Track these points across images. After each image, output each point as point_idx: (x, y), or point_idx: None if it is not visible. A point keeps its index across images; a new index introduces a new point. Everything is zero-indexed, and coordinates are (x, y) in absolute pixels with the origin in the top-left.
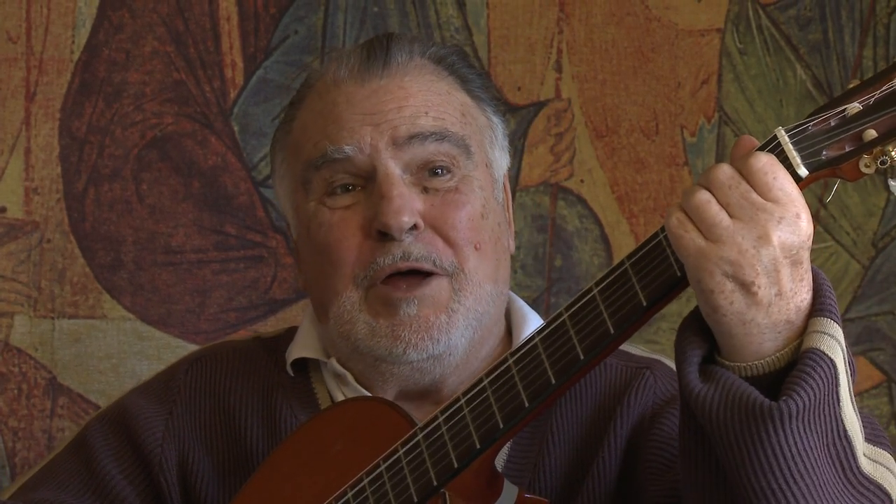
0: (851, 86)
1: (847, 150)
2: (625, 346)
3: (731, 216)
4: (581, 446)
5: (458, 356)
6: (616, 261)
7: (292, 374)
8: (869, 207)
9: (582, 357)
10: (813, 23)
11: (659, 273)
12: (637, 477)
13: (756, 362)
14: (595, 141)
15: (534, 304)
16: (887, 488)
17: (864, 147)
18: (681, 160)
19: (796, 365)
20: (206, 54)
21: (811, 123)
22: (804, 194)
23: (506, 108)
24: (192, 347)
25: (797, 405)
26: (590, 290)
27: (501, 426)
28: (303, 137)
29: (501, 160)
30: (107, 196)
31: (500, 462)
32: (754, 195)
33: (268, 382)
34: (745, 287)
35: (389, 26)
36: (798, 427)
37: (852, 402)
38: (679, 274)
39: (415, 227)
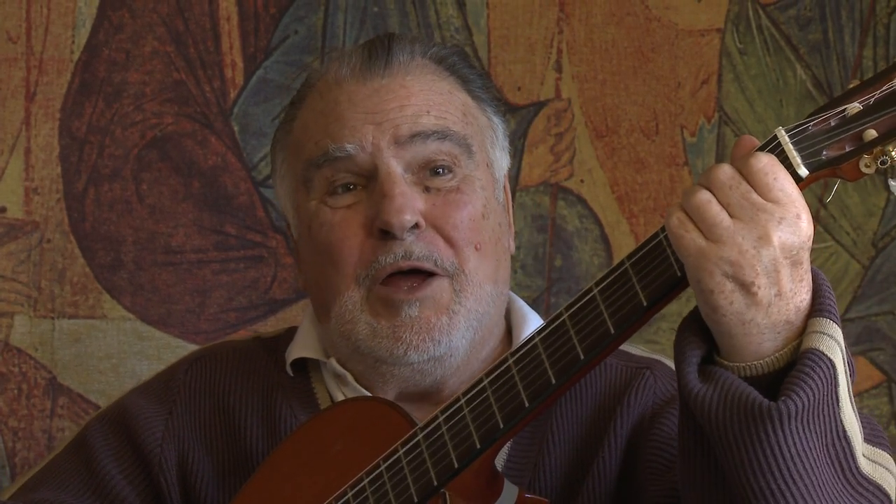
0: (851, 86)
1: (847, 150)
2: (625, 346)
3: (731, 216)
4: (581, 446)
5: (459, 357)
6: (616, 261)
7: (292, 375)
8: (869, 207)
9: (582, 357)
10: (813, 23)
11: (659, 273)
12: (637, 477)
13: (755, 362)
14: (595, 141)
15: (534, 304)
16: (886, 489)
17: (864, 147)
18: (681, 160)
19: (795, 365)
20: (206, 54)
21: (811, 123)
22: (804, 194)
23: (506, 108)
24: (192, 347)
25: (796, 405)
26: (590, 290)
27: (502, 426)
28: (304, 137)
29: (502, 160)
30: (107, 196)
31: (500, 462)
32: (755, 195)
33: (267, 382)
34: (745, 287)
35: (389, 26)
36: (797, 427)
37: (851, 403)
38: (679, 274)
39: (416, 226)
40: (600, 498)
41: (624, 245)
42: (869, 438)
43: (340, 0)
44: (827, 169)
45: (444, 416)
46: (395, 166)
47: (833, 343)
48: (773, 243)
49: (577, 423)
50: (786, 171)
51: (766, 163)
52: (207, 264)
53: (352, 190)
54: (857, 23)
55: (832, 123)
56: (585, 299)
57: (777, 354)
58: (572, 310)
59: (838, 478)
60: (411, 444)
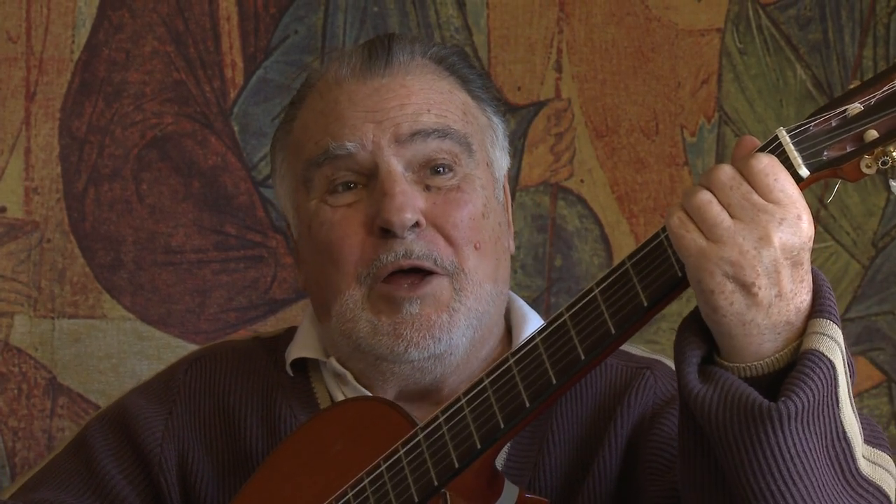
0: (852, 86)
1: (848, 150)
2: (625, 346)
3: (732, 217)
4: (581, 446)
5: (459, 356)
6: (616, 261)
7: (292, 374)
8: (869, 207)
9: (583, 357)
10: (813, 23)
11: (660, 273)
12: (637, 477)
13: (755, 363)
14: (595, 141)
15: (534, 304)
16: (886, 490)
17: (865, 147)
18: (681, 160)
19: (795, 366)
20: (206, 54)
21: (812, 124)
22: (804, 194)
23: (506, 108)
24: (192, 347)
25: (796, 406)
26: (591, 290)
27: (502, 426)
28: (304, 136)
29: (502, 160)
30: (107, 196)
31: (500, 461)
32: (755, 196)
33: (267, 382)
34: (746, 288)
35: (389, 26)
36: (797, 428)
37: (851, 404)
38: (680, 274)
39: (417, 224)
40: (600, 498)
41: (624, 245)
42: (869, 439)
43: (340, 0)
44: (828, 169)
45: (444, 417)
46: (395, 165)
47: (833, 344)
48: (773, 244)
49: (578, 422)
50: (786, 171)
51: (766, 163)
52: (207, 264)
53: (352, 189)
54: (857, 23)
55: (833, 124)
56: (586, 299)
57: (777, 355)
58: (573, 310)
59: (838, 479)
60: (412, 444)
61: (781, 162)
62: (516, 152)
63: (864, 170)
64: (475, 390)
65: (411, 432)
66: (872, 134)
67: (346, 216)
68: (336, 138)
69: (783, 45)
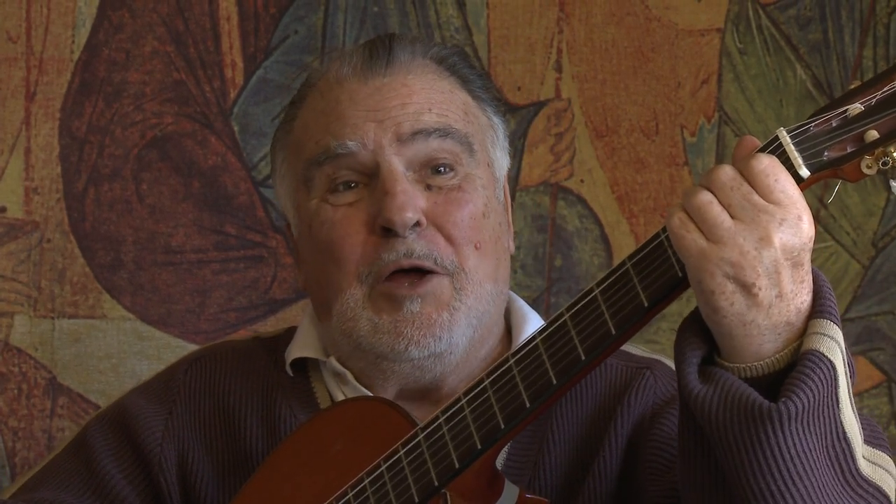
0: (853, 86)
1: (849, 150)
2: (625, 346)
3: (732, 217)
4: (581, 446)
5: (459, 354)
6: (616, 261)
7: (291, 374)
8: (869, 207)
9: (583, 357)
10: (813, 23)
11: (660, 273)
12: (637, 477)
13: (756, 363)
14: (595, 141)
15: (534, 304)
16: (886, 490)
17: (865, 148)
18: (681, 160)
19: (796, 366)
20: (206, 54)
21: (813, 124)
22: (805, 195)
23: (506, 108)
24: (192, 347)
25: (796, 407)
26: (591, 290)
27: (503, 426)
28: (305, 135)
29: (502, 160)
30: (107, 196)
31: (499, 461)
32: (756, 197)
33: (267, 382)
34: (746, 288)
35: (389, 26)
36: (797, 429)
37: (851, 404)
38: (680, 274)
39: (417, 223)
40: (601, 498)
41: (624, 245)
42: (869, 440)
43: (340, 0)
44: (828, 170)
45: (444, 417)
46: (396, 164)
47: (833, 344)
48: (774, 244)
49: (578, 422)
50: (787, 172)
51: (767, 164)
52: (207, 264)
53: (352, 188)
54: (857, 23)
55: (834, 124)
56: (587, 300)
57: (777, 355)
58: (573, 310)
59: (838, 479)
60: (412, 444)
61: (782, 162)
62: (516, 152)
63: (865, 170)
64: (475, 390)
65: (411, 432)
66: (873, 134)
67: (348, 215)
68: (337, 137)
69: (783, 45)
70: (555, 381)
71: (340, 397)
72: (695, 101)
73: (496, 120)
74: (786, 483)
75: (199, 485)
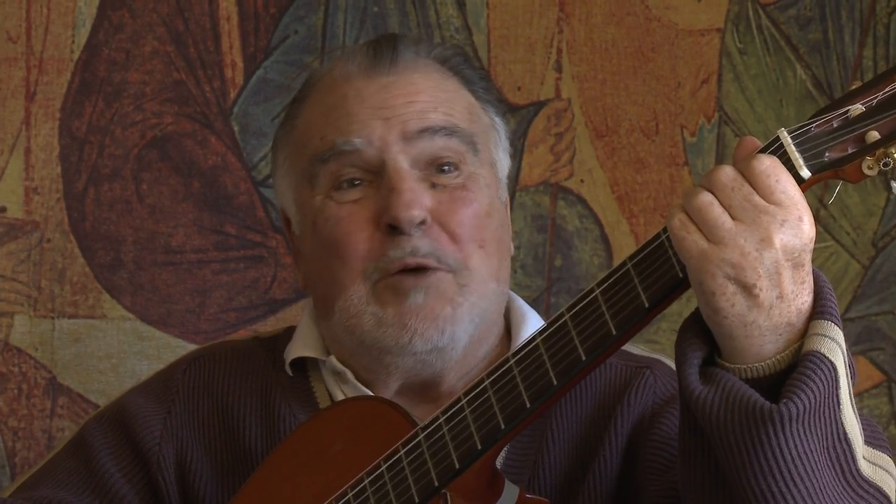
0: (854, 87)
1: (850, 151)
2: (625, 346)
3: (733, 218)
4: (581, 445)
5: (459, 351)
6: (616, 261)
7: (291, 374)
8: (869, 207)
9: (584, 358)
10: (813, 23)
11: (661, 274)
12: (637, 476)
13: (756, 364)
14: (595, 141)
15: (534, 304)
16: (886, 491)
17: (866, 149)
18: (681, 160)
19: (797, 367)
20: (206, 54)
21: (814, 125)
22: (805, 195)
23: (506, 109)
24: (192, 347)
25: (797, 408)
26: (591, 290)
27: (503, 427)
28: (308, 132)
29: (504, 161)
30: (107, 196)
31: (499, 461)
32: (757, 198)
33: (266, 382)
34: (747, 289)
35: (389, 26)
36: (798, 430)
37: (852, 405)
38: (681, 275)
39: (423, 222)
40: (600, 497)
41: (624, 245)
42: (869, 440)
43: (340, 0)
44: (829, 170)
45: (444, 417)
46: (403, 161)
47: (834, 345)
48: (774, 245)
49: (577, 422)
50: (788, 173)
51: (768, 165)
52: (207, 264)
53: (357, 185)
54: (857, 23)
55: (835, 125)
56: (587, 300)
57: (778, 356)
58: (574, 310)
59: (839, 480)
60: (412, 444)
61: (783, 163)
62: (516, 152)
63: (866, 171)
64: (476, 390)
65: (412, 432)
66: (874, 135)
67: (353, 212)
68: (343, 134)
69: (783, 45)
70: (555, 382)
71: (340, 397)
72: (695, 101)
73: (498, 120)
74: (787, 484)
75: (197, 484)
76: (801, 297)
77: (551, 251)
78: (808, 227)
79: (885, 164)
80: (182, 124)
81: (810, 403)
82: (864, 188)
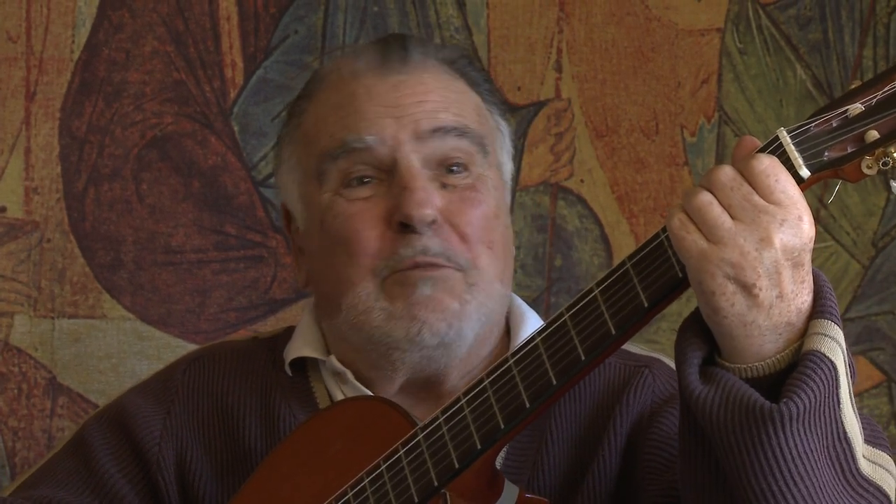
0: (853, 86)
1: (849, 151)
2: (624, 345)
3: (732, 218)
4: (580, 445)
5: (465, 349)
6: (616, 261)
7: (290, 374)
8: (869, 207)
9: (583, 358)
10: (813, 23)
11: (660, 274)
12: (636, 476)
13: (756, 364)
14: (595, 141)
15: (534, 304)
16: (886, 490)
17: (866, 148)
18: (681, 160)
19: (797, 367)
20: (206, 54)
21: (813, 124)
22: (805, 195)
23: (507, 110)
24: (192, 347)
25: (798, 407)
26: (591, 290)
27: (502, 426)
28: (318, 129)
29: (508, 165)
30: (107, 196)
31: (498, 460)
32: (756, 197)
33: (266, 382)
34: (747, 289)
35: (389, 26)
36: (798, 429)
37: (852, 404)
38: (680, 275)
39: (434, 221)
40: (600, 497)
41: (624, 245)
42: (869, 439)
43: (340, 0)
44: (829, 170)
45: (444, 417)
46: (415, 160)
47: (834, 344)
48: (774, 245)
49: (576, 421)
50: (787, 172)
51: (767, 164)
52: (207, 264)
53: (367, 183)
54: (857, 23)
55: (834, 124)
56: (586, 300)
57: (778, 356)
58: (573, 310)
59: (839, 479)
60: (412, 444)
61: (782, 162)
62: (516, 152)
63: (865, 170)
64: (475, 390)
65: (411, 432)
66: (873, 134)
67: (363, 209)
68: (354, 131)
69: (783, 45)
70: (555, 382)
71: (339, 397)
72: (695, 101)
73: (503, 123)
74: (787, 483)
75: (197, 484)
76: (801, 297)
77: (551, 251)
78: (807, 227)
79: (885, 164)
80: (182, 124)
81: (810, 403)
82: (864, 188)
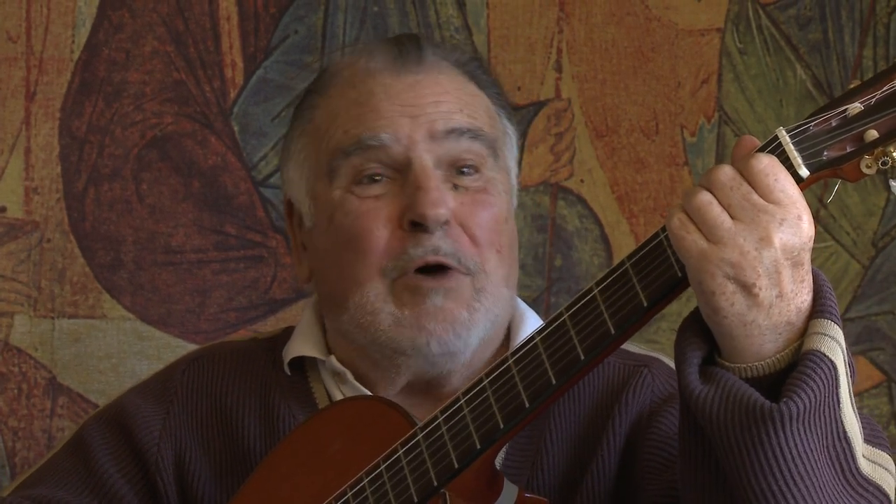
0: (852, 86)
1: (848, 150)
2: (623, 344)
3: (732, 217)
4: (579, 444)
5: (469, 355)
6: (616, 261)
7: (289, 374)
8: (869, 207)
9: (582, 357)
10: (813, 23)
11: (660, 273)
12: (635, 475)
13: (756, 363)
14: (595, 141)
15: (534, 304)
16: (886, 489)
17: (865, 147)
18: (681, 160)
19: (797, 367)
20: (206, 54)
21: (812, 124)
22: (804, 194)
23: (512, 113)
24: (192, 347)
25: (798, 407)
26: (590, 290)
27: (502, 426)
28: (331, 124)
29: (514, 170)
30: (107, 196)
31: (497, 460)
32: (756, 197)
33: (265, 382)
34: (747, 288)
35: (389, 26)
36: (798, 429)
37: (852, 404)
38: (680, 274)
39: (446, 222)
40: (599, 496)
41: (624, 245)
42: (869, 439)
43: (340, 0)
44: (828, 169)
45: (443, 417)
46: (428, 160)
47: (834, 344)
48: (774, 244)
49: (576, 421)
50: (787, 172)
51: (766, 164)
52: (207, 264)
53: (378, 181)
54: (857, 23)
55: (833, 124)
56: (586, 299)
57: (778, 355)
58: (573, 310)
59: (838, 478)
60: (411, 443)
61: (781, 162)
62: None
63: (865, 170)
64: (474, 390)
65: (410, 432)
66: (872, 134)
67: (374, 208)
68: (370, 129)
69: (783, 45)
70: (554, 381)
71: (339, 396)
72: (695, 101)
73: (511, 128)
74: (787, 483)
75: (196, 484)
76: (801, 296)
77: (551, 251)
78: (807, 226)
79: (884, 163)
80: (182, 124)
81: (810, 402)
82: (863, 188)
